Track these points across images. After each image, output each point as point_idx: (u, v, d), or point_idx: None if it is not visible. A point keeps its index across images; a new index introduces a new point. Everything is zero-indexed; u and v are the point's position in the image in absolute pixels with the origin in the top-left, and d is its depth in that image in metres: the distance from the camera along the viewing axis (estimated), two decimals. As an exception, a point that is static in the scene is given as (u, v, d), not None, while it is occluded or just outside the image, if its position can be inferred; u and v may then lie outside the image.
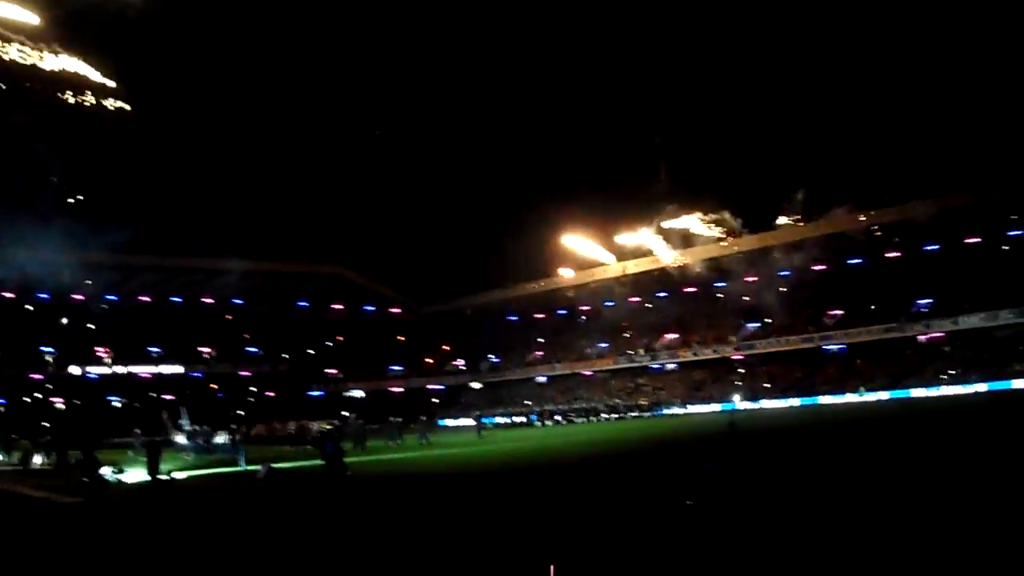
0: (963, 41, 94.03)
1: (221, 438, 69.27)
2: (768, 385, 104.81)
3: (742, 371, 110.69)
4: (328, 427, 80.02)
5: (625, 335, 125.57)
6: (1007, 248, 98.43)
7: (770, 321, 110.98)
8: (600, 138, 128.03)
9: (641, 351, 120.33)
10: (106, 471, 41.05)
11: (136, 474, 41.25)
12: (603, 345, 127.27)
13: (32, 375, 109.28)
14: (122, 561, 18.65)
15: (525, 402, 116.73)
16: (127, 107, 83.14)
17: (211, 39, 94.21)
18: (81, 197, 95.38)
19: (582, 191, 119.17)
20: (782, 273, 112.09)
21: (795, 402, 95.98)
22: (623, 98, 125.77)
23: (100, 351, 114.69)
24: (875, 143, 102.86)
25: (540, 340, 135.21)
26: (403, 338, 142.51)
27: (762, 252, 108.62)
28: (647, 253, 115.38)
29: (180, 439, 73.00)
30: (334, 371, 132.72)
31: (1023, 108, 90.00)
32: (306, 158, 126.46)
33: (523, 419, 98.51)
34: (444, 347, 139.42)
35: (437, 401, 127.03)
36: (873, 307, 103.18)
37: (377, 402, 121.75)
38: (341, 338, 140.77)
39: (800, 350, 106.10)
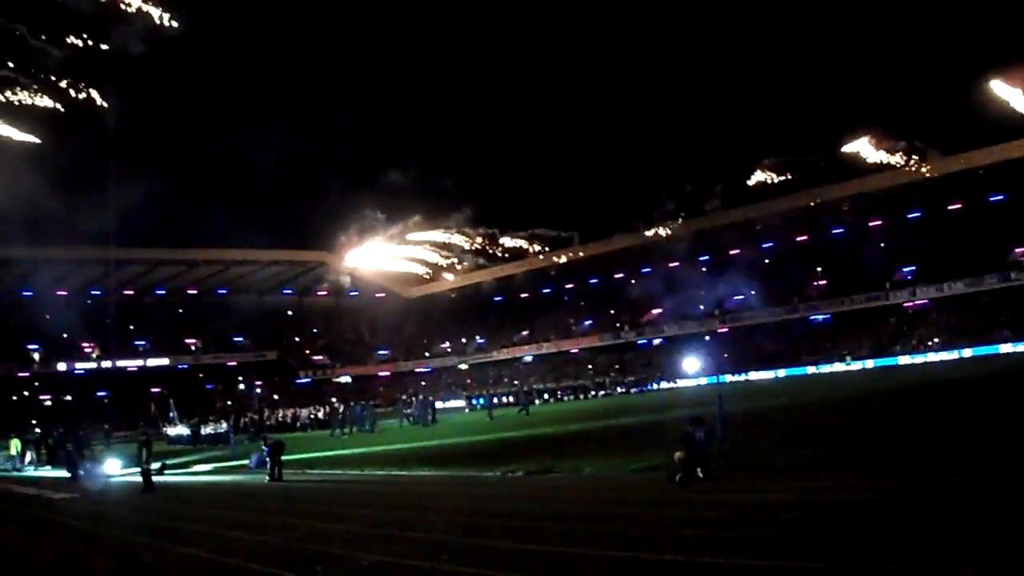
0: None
1: (211, 428, 69.41)
2: (755, 357, 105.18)
3: (729, 343, 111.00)
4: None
5: (610, 311, 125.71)
6: (989, 215, 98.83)
7: (755, 293, 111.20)
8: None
9: (627, 327, 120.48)
10: (91, 465, 41.24)
11: (119, 466, 41.49)
12: (588, 322, 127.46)
13: (19, 373, 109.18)
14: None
15: (513, 382, 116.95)
16: (103, 100, 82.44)
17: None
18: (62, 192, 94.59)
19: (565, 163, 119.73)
20: (766, 245, 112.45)
21: (781, 373, 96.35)
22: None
23: (86, 346, 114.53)
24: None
25: (525, 320, 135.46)
26: (388, 322, 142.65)
27: (745, 224, 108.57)
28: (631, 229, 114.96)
29: (170, 431, 73.16)
30: (320, 357, 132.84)
31: None
32: (285, 146, 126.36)
33: (511, 399, 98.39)
34: (429, 329, 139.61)
35: (425, 383, 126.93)
36: (857, 276, 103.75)
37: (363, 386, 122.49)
38: (327, 324, 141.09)
39: (786, 320, 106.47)
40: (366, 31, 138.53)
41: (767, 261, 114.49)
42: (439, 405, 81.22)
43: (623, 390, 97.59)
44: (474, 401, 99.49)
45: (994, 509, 14.03)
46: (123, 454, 44.99)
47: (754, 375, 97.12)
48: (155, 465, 34.19)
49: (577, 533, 15.80)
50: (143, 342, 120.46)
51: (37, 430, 69.19)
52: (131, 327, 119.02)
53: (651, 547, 13.82)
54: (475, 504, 21.27)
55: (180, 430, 73.66)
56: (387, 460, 36.18)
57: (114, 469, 41.09)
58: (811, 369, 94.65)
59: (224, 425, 69.06)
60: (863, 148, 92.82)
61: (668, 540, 14.38)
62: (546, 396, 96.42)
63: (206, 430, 69.54)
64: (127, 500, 30.97)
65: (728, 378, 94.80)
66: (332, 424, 69.88)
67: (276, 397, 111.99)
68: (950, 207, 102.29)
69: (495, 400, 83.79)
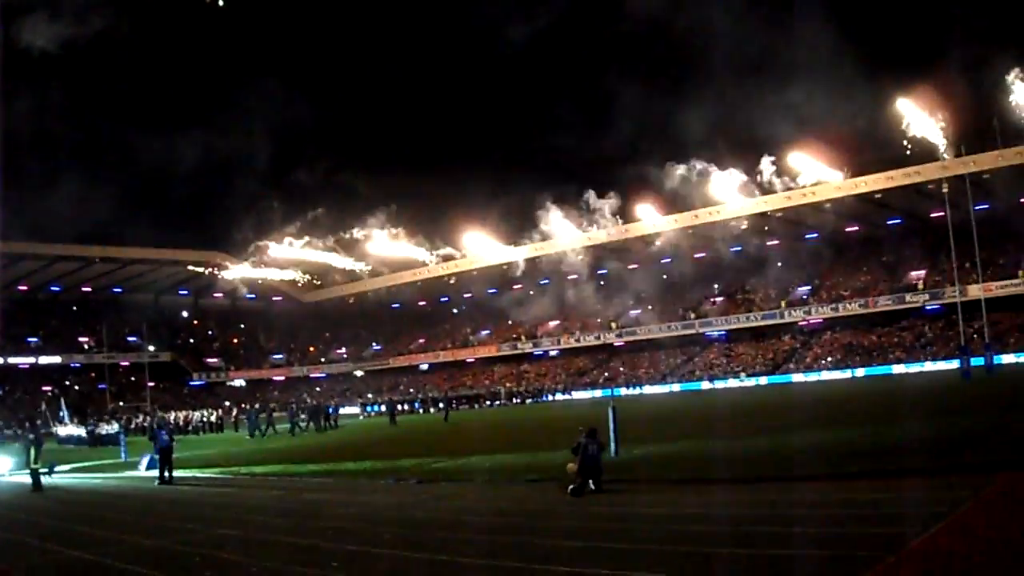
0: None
1: (104, 429, 68.62)
2: (650, 371, 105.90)
3: (624, 357, 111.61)
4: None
5: (508, 322, 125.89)
6: (886, 238, 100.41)
7: (651, 308, 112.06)
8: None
9: (524, 338, 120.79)
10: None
11: (8, 465, 40.99)
12: (485, 332, 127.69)
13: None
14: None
15: (409, 389, 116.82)
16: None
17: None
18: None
19: (471, 173, 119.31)
20: (664, 260, 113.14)
21: (676, 387, 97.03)
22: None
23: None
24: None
25: (422, 328, 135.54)
26: (284, 326, 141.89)
27: (643, 239, 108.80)
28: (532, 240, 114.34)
29: (61, 430, 72.24)
30: (214, 360, 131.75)
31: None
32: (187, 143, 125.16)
33: (406, 407, 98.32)
34: (325, 334, 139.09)
35: (319, 389, 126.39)
36: (753, 293, 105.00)
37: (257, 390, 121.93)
38: (222, 327, 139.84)
39: (681, 336, 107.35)
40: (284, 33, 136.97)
41: (664, 276, 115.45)
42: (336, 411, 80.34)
43: (519, 400, 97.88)
44: (369, 408, 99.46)
45: (883, 523, 14.30)
46: (11, 453, 44.39)
47: (648, 389, 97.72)
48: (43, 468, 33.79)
49: (464, 542, 15.89)
50: (35, 339, 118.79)
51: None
52: (24, 323, 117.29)
53: (537, 557, 13.92)
54: (367, 512, 21.25)
55: (71, 430, 72.73)
56: (280, 464, 35.99)
57: (1, 468, 40.56)
58: (706, 384, 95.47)
59: (115, 426, 68.36)
60: (765, 168, 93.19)
61: (555, 550, 14.55)
62: (441, 405, 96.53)
63: (98, 430, 68.80)
64: (14, 500, 30.63)
65: (623, 391, 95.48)
66: (250, 425, 69.03)
67: (169, 399, 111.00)
68: (847, 229, 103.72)
69: (397, 407, 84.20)
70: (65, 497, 30.58)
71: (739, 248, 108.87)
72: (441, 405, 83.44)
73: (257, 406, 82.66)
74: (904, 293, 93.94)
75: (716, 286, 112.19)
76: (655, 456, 26.96)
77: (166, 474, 31.61)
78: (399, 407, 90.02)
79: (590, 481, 19.94)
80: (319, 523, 19.64)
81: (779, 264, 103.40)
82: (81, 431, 71.12)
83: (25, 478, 33.64)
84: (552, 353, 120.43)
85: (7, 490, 34.46)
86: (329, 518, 20.40)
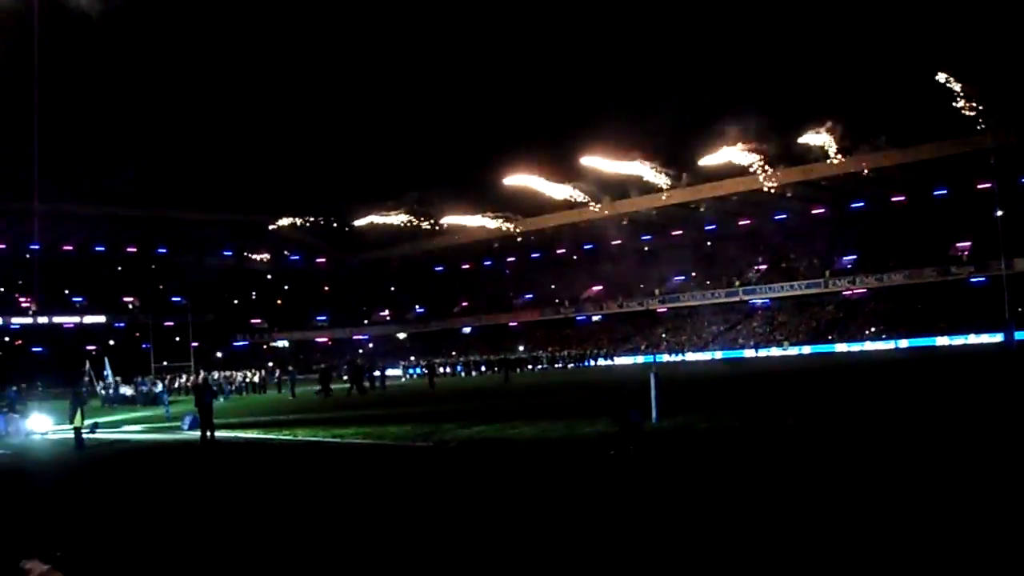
0: None
1: (151, 388, 68.99)
2: (692, 338, 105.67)
3: (667, 324, 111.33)
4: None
5: (552, 287, 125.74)
6: (932, 209, 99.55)
7: (695, 275, 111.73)
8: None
9: (567, 303, 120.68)
10: (16, 419, 40.90)
11: (47, 423, 41.17)
12: (529, 297, 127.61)
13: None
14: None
15: (452, 352, 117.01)
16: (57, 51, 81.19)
17: None
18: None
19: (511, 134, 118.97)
20: (708, 227, 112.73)
21: (718, 355, 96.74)
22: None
23: (23, 301, 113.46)
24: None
25: (465, 291, 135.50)
26: (328, 288, 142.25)
27: (689, 205, 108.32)
28: (574, 205, 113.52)
29: (104, 389, 72.57)
30: (258, 321, 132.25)
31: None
32: (232, 105, 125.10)
33: (448, 369, 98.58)
34: (370, 297, 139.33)
35: (362, 351, 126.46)
36: (797, 263, 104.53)
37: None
38: (266, 288, 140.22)
39: (724, 304, 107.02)
40: None
41: (709, 244, 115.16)
42: (376, 372, 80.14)
43: (560, 365, 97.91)
44: (411, 371, 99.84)
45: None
46: (53, 411, 44.63)
47: (691, 356, 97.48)
48: (87, 423, 33.98)
49: (494, 503, 15.87)
50: (80, 299, 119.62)
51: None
52: (69, 283, 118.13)
53: (572, 522, 13.86)
54: (406, 474, 21.25)
55: (115, 389, 73.01)
56: (321, 424, 35.96)
57: (42, 426, 40.73)
58: (749, 352, 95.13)
59: (159, 385, 68.74)
60: (811, 137, 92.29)
61: (591, 515, 14.44)
62: (483, 368, 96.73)
63: (141, 390, 69.24)
64: (56, 459, 30.79)
65: (665, 358, 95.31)
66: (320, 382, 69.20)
67: (212, 359, 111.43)
68: (893, 199, 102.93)
69: (437, 370, 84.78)
70: (107, 456, 30.70)
71: (784, 216, 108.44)
72: (498, 368, 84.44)
73: (323, 366, 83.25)
74: (949, 265, 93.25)
75: (760, 256, 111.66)
76: (696, 422, 26.80)
77: (208, 433, 31.73)
78: (440, 370, 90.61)
79: (630, 446, 19.84)
80: (352, 485, 19.67)
81: (824, 233, 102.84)
82: (125, 390, 71.64)
83: (68, 435, 33.84)
84: (595, 319, 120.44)
85: (50, 448, 34.65)
86: (363, 481, 20.42)
